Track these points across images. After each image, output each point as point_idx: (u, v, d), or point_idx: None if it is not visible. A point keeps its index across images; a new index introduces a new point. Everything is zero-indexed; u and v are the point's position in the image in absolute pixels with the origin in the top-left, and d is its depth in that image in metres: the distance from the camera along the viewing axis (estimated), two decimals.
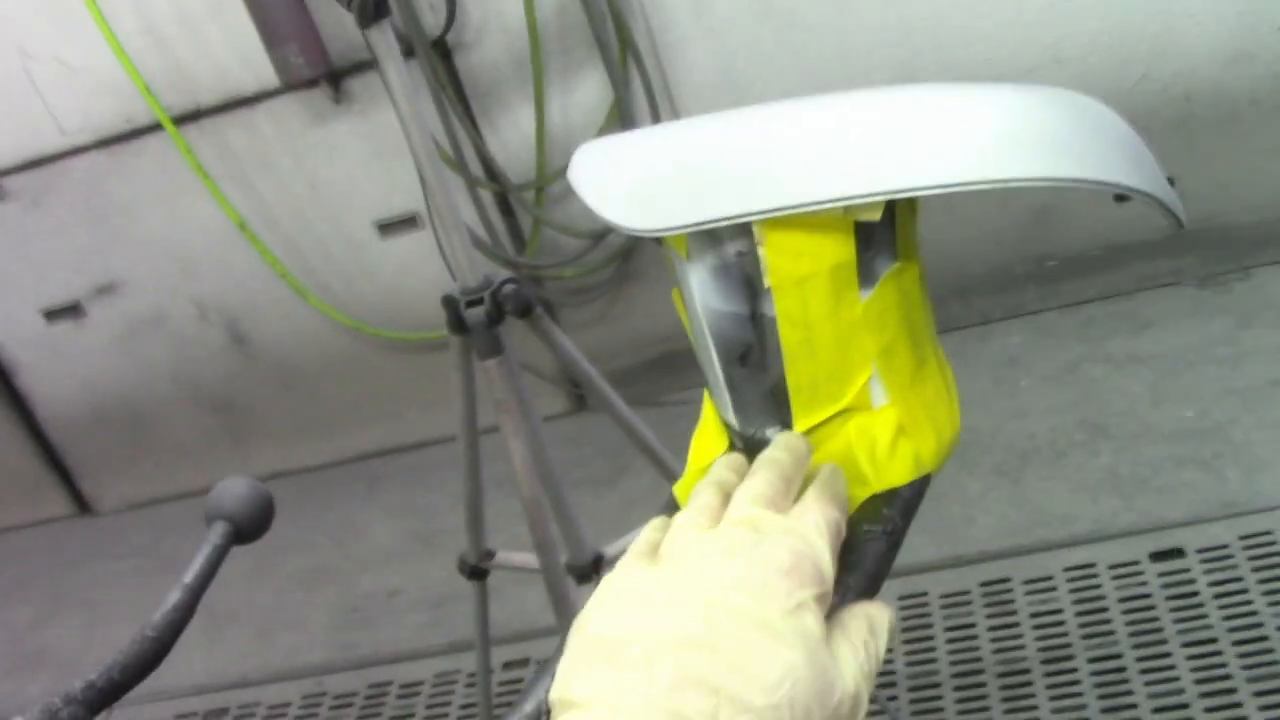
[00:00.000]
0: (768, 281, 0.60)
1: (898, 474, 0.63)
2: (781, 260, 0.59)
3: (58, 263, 3.30)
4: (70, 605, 3.29)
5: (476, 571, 1.70)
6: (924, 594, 2.30)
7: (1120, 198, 0.54)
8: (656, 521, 0.60)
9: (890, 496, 0.62)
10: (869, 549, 0.60)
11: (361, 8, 1.21)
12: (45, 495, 3.72)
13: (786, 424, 0.64)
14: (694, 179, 0.60)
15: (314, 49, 2.78)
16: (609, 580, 0.55)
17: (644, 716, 0.46)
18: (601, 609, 0.52)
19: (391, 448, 3.44)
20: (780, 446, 0.61)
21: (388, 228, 3.14)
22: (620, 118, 2.84)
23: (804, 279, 0.60)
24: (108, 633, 3.01)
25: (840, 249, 0.59)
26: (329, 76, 2.87)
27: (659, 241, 0.63)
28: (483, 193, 2.97)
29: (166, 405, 3.51)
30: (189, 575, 0.88)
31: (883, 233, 0.61)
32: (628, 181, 0.63)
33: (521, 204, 3.01)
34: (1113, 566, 2.20)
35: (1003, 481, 2.52)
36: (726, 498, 0.58)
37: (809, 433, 0.64)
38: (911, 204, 0.63)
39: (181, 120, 3.02)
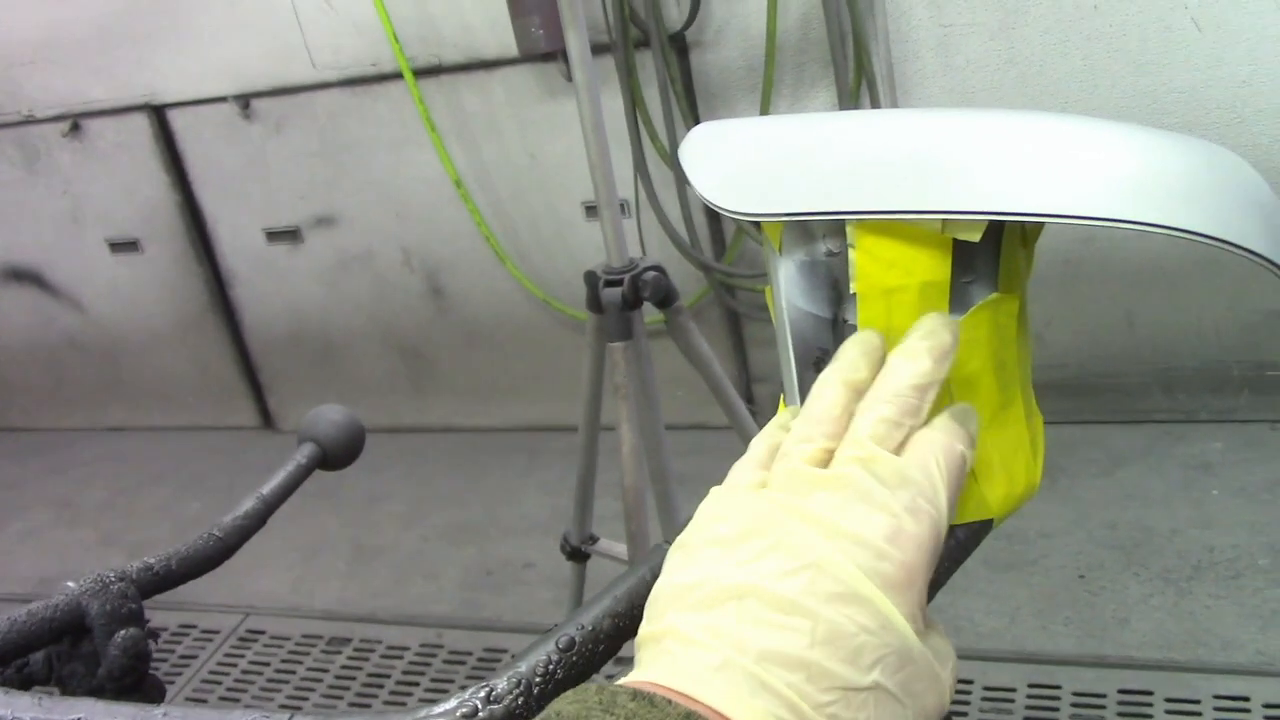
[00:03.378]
0: (854, 287, 0.57)
1: (956, 512, 0.58)
2: (871, 267, 0.56)
3: (287, 188, 3.47)
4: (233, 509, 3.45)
5: (576, 553, 1.69)
6: (1056, 687, 2.17)
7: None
8: (779, 420, 0.57)
9: None
10: None
11: None
12: (236, 404, 3.92)
13: None
14: (795, 170, 0.57)
15: (555, 24, 2.82)
16: (713, 502, 0.52)
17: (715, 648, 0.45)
18: (697, 528, 0.50)
19: (559, 425, 3.47)
20: (917, 342, 0.53)
21: (595, 210, 3.15)
22: None
23: (891, 290, 0.56)
24: (255, 540, 3.14)
25: (934, 266, 0.55)
26: (565, 53, 2.91)
27: (758, 228, 0.61)
28: (692, 193, 2.96)
29: (359, 340, 3.65)
30: (266, 488, 0.90)
31: (984, 258, 0.56)
32: (732, 164, 0.60)
33: None
34: (1268, 705, 2.03)
35: (1168, 589, 2.35)
36: (853, 399, 0.53)
37: None
38: (1022, 234, 0.58)
39: (422, 73, 3.12)
